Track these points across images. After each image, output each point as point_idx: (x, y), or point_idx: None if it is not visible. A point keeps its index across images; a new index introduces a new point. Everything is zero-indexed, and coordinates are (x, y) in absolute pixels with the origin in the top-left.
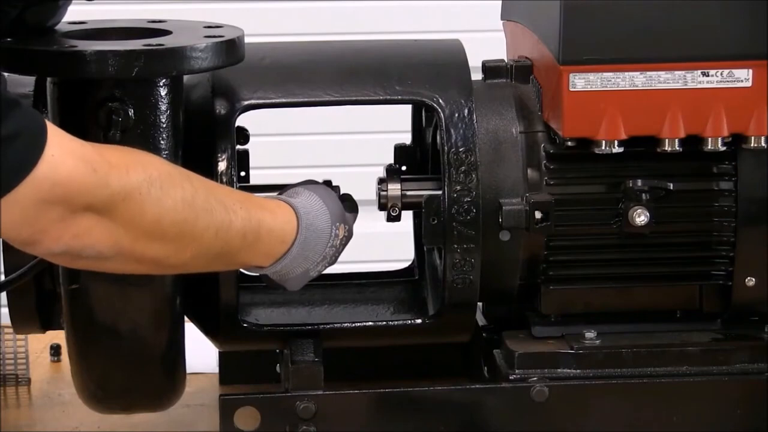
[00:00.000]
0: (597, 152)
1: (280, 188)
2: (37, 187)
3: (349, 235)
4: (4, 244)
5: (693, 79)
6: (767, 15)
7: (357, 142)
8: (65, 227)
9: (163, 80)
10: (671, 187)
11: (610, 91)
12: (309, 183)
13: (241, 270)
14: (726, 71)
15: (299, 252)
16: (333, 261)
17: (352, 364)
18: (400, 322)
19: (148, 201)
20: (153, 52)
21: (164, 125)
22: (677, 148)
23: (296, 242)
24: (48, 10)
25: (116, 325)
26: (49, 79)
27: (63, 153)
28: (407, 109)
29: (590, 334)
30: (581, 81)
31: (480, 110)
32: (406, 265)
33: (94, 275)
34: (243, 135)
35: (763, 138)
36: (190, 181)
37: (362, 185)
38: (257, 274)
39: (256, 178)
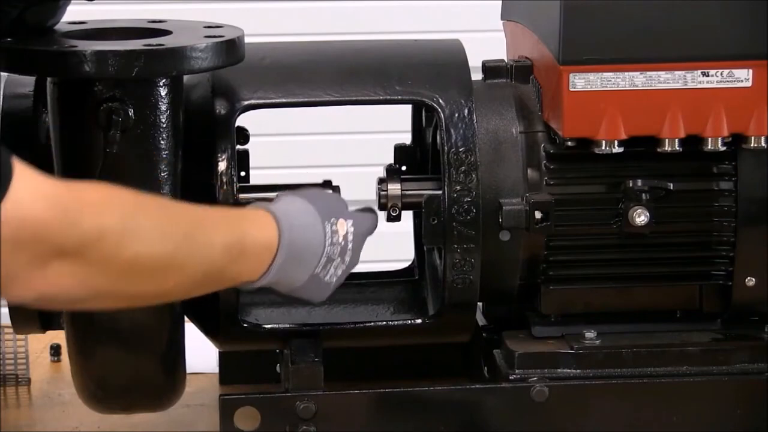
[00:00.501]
0: (597, 152)
1: (280, 188)
2: (3, 228)
3: (364, 232)
4: None
5: (693, 79)
6: (767, 15)
7: (357, 142)
8: (36, 273)
9: (163, 80)
10: (671, 187)
11: (610, 91)
12: (298, 188)
13: None
14: (726, 71)
15: (288, 257)
16: (350, 260)
17: (352, 364)
18: (400, 322)
19: (124, 238)
20: (153, 52)
21: (164, 125)
22: (677, 148)
23: (281, 247)
24: (48, 10)
25: (116, 325)
26: (49, 79)
27: (30, 192)
28: (407, 109)
29: (590, 334)
30: (581, 81)
31: (480, 110)
32: (406, 265)
33: None
34: (243, 135)
35: (763, 138)
36: (166, 209)
37: (362, 185)
38: (254, 289)
39: (256, 178)
